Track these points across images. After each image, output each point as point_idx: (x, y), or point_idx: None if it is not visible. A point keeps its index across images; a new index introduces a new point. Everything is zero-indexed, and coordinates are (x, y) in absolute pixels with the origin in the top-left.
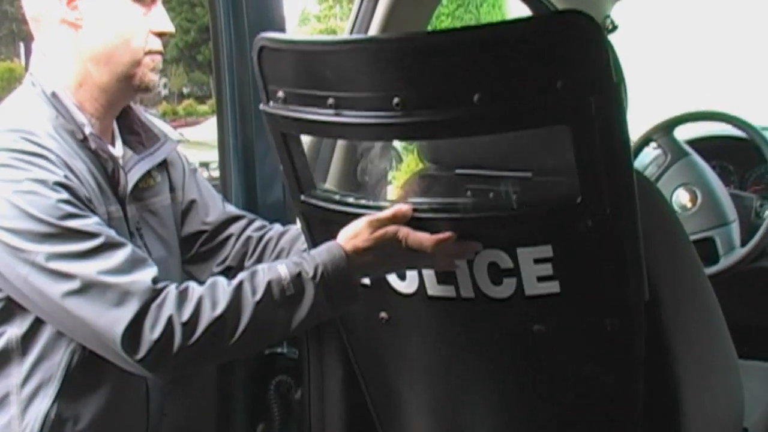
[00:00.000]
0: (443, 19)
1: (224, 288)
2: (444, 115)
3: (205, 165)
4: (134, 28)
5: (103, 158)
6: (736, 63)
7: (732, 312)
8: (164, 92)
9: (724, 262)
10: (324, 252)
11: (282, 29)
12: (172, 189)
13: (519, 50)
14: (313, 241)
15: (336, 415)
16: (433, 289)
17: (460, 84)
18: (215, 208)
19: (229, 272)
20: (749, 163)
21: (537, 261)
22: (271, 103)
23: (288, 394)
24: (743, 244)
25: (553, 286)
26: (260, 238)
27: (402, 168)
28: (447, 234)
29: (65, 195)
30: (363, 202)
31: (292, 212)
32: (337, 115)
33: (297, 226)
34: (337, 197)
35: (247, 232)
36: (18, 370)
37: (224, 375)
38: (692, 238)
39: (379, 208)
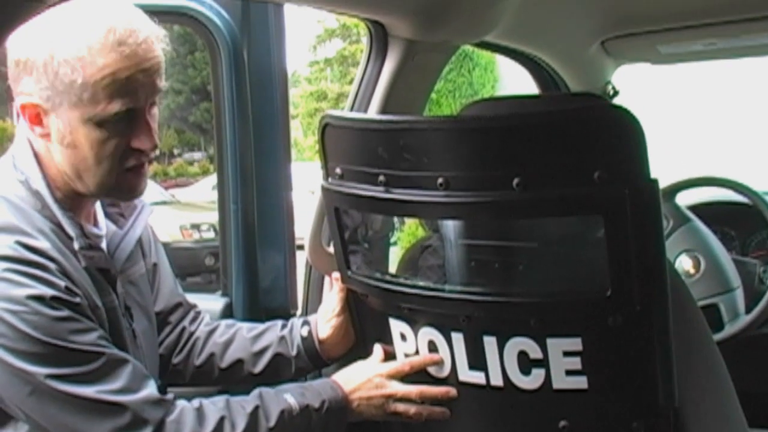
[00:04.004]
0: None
1: (240, 410)
2: (484, 198)
3: (196, 227)
4: (102, 153)
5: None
6: (737, 128)
7: (738, 379)
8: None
9: (729, 330)
10: (329, 389)
11: (284, 91)
12: (143, 255)
13: (560, 139)
14: (359, 316)
15: None
16: (465, 374)
17: (500, 168)
18: (168, 284)
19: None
20: (751, 228)
21: (566, 353)
22: (330, 179)
23: None
24: (748, 310)
25: (581, 382)
26: (191, 334)
27: (404, 230)
28: (439, 389)
29: (65, 312)
30: (402, 280)
31: (292, 276)
32: (386, 191)
33: (224, 322)
34: (380, 275)
35: (183, 323)
36: None
37: None
38: None
39: (416, 287)
